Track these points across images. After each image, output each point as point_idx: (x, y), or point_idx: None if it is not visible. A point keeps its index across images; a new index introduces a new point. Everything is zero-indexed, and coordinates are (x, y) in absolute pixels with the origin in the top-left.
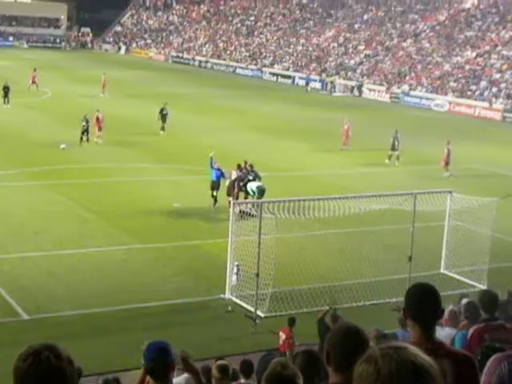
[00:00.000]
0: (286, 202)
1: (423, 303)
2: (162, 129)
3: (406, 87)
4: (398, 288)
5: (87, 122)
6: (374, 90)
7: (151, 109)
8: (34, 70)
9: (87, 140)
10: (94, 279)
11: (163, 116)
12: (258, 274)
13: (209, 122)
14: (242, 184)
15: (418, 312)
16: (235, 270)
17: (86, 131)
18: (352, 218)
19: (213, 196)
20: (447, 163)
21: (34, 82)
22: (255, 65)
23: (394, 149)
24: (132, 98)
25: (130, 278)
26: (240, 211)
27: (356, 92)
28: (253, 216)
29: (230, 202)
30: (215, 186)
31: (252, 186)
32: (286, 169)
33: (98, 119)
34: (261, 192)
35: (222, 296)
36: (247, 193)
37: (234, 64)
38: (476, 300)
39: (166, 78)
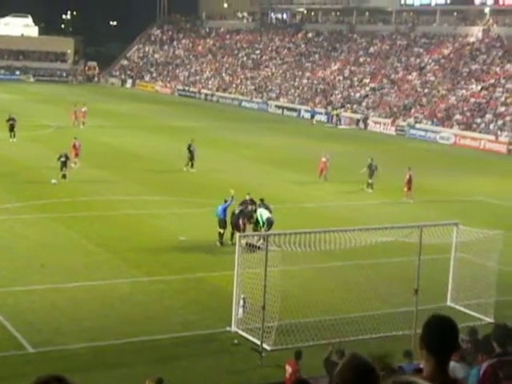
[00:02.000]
0: (292, 235)
1: (444, 335)
2: (191, 166)
3: (411, 120)
4: (405, 321)
5: (66, 157)
6: (380, 123)
7: (157, 142)
8: (75, 106)
9: (64, 176)
10: (100, 312)
11: (191, 152)
12: (264, 307)
13: (214, 155)
14: (249, 216)
15: (437, 344)
16: (241, 303)
17: (64, 165)
18: (358, 251)
19: (221, 234)
20: (409, 188)
21: (76, 118)
22: (261, 98)
23: (369, 176)
24: (137, 130)
25: (136, 311)
26: (246, 244)
27: (361, 125)
28: (259, 249)
29: (232, 235)
30: (223, 223)
31: (262, 213)
32: (291, 200)
33: (74, 146)
34: (269, 224)
35: (228, 329)
36: (256, 223)
37: (240, 97)
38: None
39: (172, 111)
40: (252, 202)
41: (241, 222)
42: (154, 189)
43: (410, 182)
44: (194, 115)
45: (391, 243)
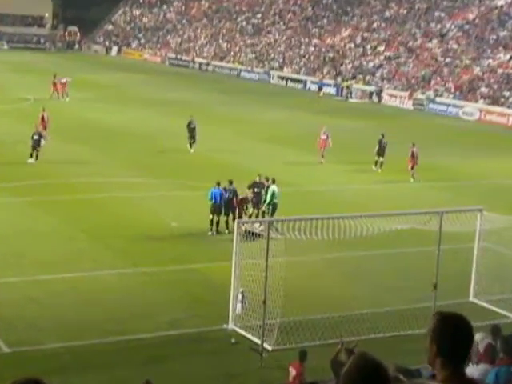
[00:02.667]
0: (296, 221)
1: (458, 337)
2: (190, 145)
3: (430, 93)
4: (422, 318)
5: (39, 135)
6: (396, 96)
7: (146, 116)
8: (55, 76)
9: (36, 157)
10: (82, 307)
11: (191, 130)
12: (264, 302)
13: (209, 132)
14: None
15: (451, 347)
16: (240, 297)
17: (37, 145)
18: (370, 239)
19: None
20: (412, 167)
21: (56, 90)
22: (262, 68)
23: (380, 154)
24: (124, 104)
25: (121, 306)
26: (245, 231)
27: (375, 98)
28: (260, 236)
29: (227, 223)
30: (218, 209)
31: (275, 190)
32: (295, 183)
33: (43, 119)
34: (274, 208)
35: (224, 326)
36: (264, 202)
37: (239, 67)
38: None
39: (163, 82)
40: (261, 185)
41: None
42: (142, 169)
43: (413, 158)
44: (187, 87)
45: (407, 231)
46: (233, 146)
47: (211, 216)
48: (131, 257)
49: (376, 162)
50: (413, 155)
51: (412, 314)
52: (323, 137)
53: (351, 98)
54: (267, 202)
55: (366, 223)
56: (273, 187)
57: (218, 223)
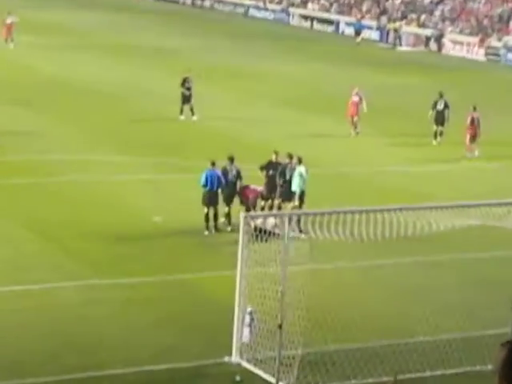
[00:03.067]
0: (325, 215)
1: None
2: (191, 111)
3: (509, 39)
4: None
5: None
6: (461, 43)
7: (120, 70)
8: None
9: None
10: (34, 332)
11: (187, 91)
12: (281, 326)
13: (207, 92)
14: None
15: None
16: (247, 320)
17: None
18: (425, 241)
19: (208, 216)
20: (473, 137)
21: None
22: (278, 3)
23: (438, 122)
24: (88, 52)
25: (88, 331)
26: (255, 228)
27: (433, 45)
28: (274, 236)
29: (228, 216)
30: (213, 198)
31: (303, 172)
32: (325, 163)
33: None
34: (300, 199)
35: (226, 359)
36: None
37: (247, 2)
38: None
39: (143, 23)
40: (278, 165)
41: (250, 195)
42: (115, 143)
43: (473, 127)
44: (176, 30)
45: (476, 229)
46: (238, 112)
47: (206, 209)
48: (99, 264)
49: (435, 134)
50: (473, 122)
51: (484, 344)
52: (355, 98)
53: (400, 45)
54: (297, 189)
55: (419, 218)
56: (300, 169)
57: (216, 217)
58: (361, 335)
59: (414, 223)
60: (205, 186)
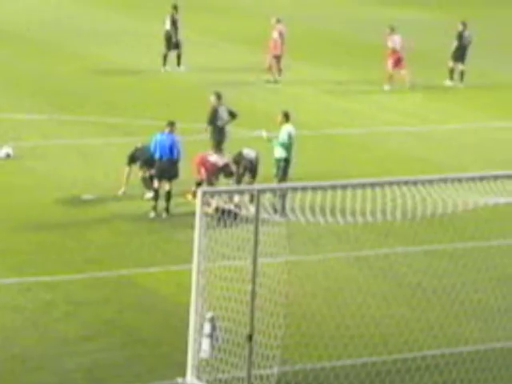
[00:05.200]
0: (308, 190)
1: None
2: (178, 60)
3: None
4: None
5: None
6: None
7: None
8: None
9: None
10: None
11: (172, 33)
12: (251, 337)
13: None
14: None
15: None
16: (207, 329)
17: None
18: (438, 224)
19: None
20: (398, 62)
21: None
22: None
23: (457, 58)
24: None
25: (1, 347)
26: (216, 210)
27: None
28: (241, 220)
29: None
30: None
31: (291, 132)
32: (313, 123)
33: None
34: (284, 169)
35: (180, 381)
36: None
37: None
38: None
39: None
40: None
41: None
42: (31, 97)
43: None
44: None
45: (506, 208)
46: (203, 49)
47: (155, 184)
48: (10, 257)
49: (451, 72)
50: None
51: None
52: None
53: None
54: (281, 157)
55: (433, 194)
56: (288, 129)
57: (169, 196)
58: (354, 348)
59: (424, 200)
60: (154, 154)
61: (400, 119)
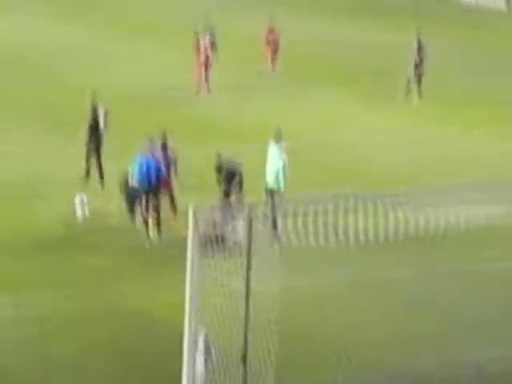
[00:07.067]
0: (304, 205)
1: None
2: None
3: None
4: None
5: None
6: None
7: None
8: None
9: None
10: None
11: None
12: (245, 358)
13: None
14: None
15: None
16: (200, 347)
17: None
18: (440, 243)
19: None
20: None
21: None
22: None
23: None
24: None
25: None
26: (209, 238)
27: None
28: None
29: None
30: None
31: (276, 156)
32: (312, 139)
33: None
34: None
35: None
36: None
37: None
38: None
39: None
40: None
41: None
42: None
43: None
44: None
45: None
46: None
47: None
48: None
49: (408, 85)
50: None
51: None
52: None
53: None
54: (272, 167)
55: (424, 212)
56: (273, 150)
57: (158, 219)
58: (353, 370)
59: (427, 217)
60: (138, 180)
61: None
